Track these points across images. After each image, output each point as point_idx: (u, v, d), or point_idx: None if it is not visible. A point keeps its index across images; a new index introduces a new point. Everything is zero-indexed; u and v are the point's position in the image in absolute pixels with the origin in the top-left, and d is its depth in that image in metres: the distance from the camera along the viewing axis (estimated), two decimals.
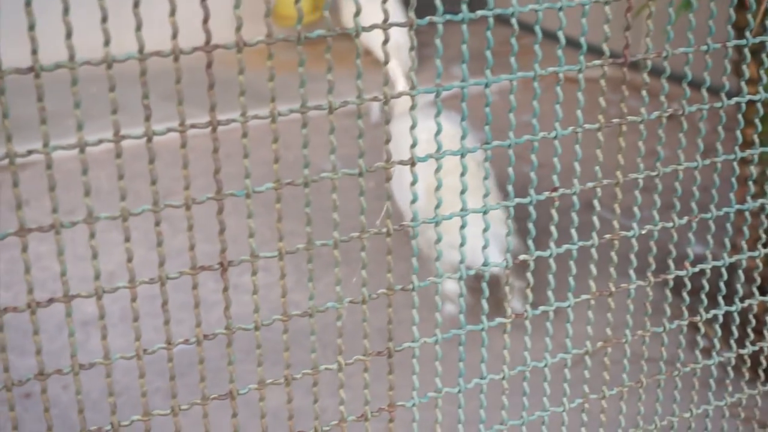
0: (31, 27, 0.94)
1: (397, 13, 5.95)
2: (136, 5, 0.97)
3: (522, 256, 1.26)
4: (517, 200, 1.23)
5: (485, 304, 1.24)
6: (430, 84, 5.13)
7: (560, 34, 1.20)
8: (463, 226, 1.20)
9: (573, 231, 1.28)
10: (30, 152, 0.97)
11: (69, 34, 0.95)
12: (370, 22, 1.31)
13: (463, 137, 1.19)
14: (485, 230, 1.20)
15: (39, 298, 1.02)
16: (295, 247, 1.13)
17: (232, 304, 1.11)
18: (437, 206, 1.16)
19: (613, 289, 1.33)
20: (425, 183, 3.31)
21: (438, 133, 1.14)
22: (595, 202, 1.29)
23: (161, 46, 1.04)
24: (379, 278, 1.31)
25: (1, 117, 0.95)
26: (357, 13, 1.08)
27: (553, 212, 1.27)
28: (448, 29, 1.15)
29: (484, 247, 1.21)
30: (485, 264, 1.22)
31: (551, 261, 1.29)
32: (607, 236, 1.31)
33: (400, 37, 5.86)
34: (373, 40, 5.79)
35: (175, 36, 1.00)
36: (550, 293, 1.30)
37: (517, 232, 3.09)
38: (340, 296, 1.17)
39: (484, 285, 1.23)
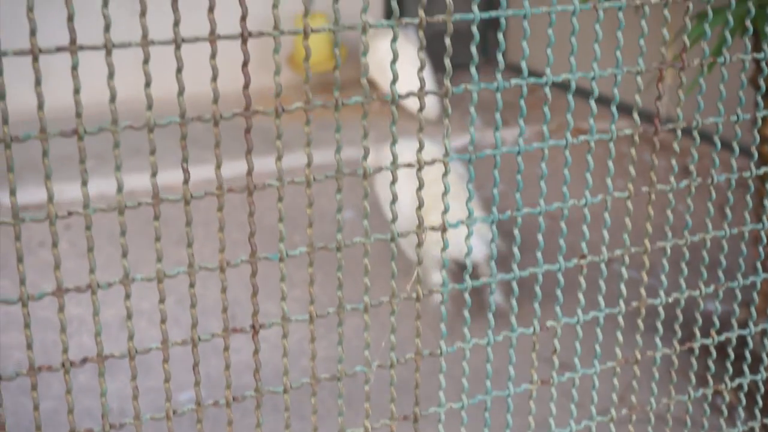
0: (77, 91, 0.95)
1: (411, 55, 5.99)
2: (179, 71, 0.99)
3: (549, 323, 1.26)
4: (546, 267, 1.23)
5: (467, 297, 1.18)
6: (458, 131, 5.17)
7: (592, 103, 1.21)
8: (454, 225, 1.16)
9: (600, 298, 1.29)
10: (70, 213, 0.98)
11: (113, 98, 0.96)
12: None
13: (469, 199, 1.18)
14: (469, 229, 1.15)
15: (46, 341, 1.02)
16: (327, 311, 1.13)
17: (243, 352, 1.11)
18: (420, 207, 1.12)
19: (638, 357, 1.33)
20: (410, 191, 3.59)
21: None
22: (623, 270, 1.30)
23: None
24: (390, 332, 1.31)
25: (45, 178, 0.96)
26: (394, 81, 1.09)
27: (581, 279, 1.27)
28: (460, 78, 1.16)
29: (467, 238, 1.16)
30: (467, 253, 1.15)
31: (578, 327, 1.29)
32: (635, 303, 1.31)
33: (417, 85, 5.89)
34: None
35: (215, 101, 1.01)
36: (576, 360, 1.30)
37: (500, 234, 3.66)
38: (368, 360, 1.17)
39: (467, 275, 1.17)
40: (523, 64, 1.15)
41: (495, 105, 1.15)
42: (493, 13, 1.12)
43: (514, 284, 1.23)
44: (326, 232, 4.38)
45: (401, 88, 1.07)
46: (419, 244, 1.16)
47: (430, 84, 6.06)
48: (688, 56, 1.26)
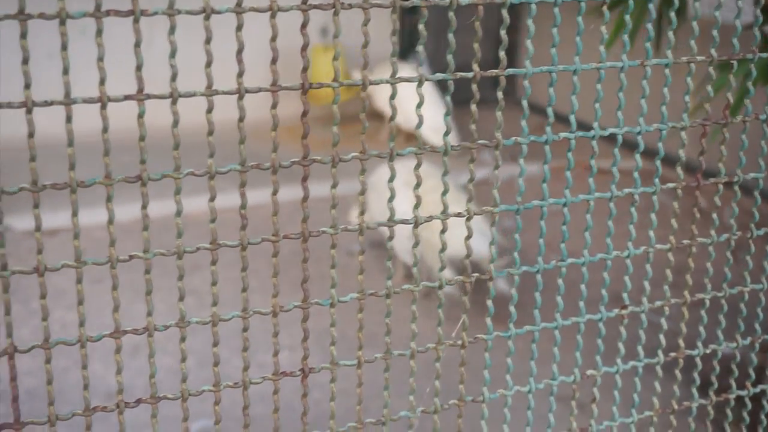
0: (142, 138, 0.97)
1: (432, 96, 6.04)
2: (241, 119, 1.01)
3: (590, 372, 1.27)
4: (588, 316, 1.25)
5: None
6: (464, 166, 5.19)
7: (638, 158, 1.23)
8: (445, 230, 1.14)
9: (640, 348, 1.30)
10: (131, 257, 1.00)
11: (177, 146, 0.99)
12: (407, 104, 1.35)
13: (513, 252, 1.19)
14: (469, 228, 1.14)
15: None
16: (374, 357, 1.15)
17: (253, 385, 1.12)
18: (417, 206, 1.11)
19: (675, 406, 1.34)
20: (408, 198, 3.89)
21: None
22: (662, 321, 1.31)
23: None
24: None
25: (107, 222, 0.98)
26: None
27: (622, 329, 1.28)
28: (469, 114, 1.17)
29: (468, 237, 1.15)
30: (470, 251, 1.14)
31: (617, 377, 1.30)
32: (672, 354, 1.32)
33: (436, 120, 5.95)
34: (411, 118, 5.89)
35: (275, 149, 1.03)
36: (614, 408, 1.31)
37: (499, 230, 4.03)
38: (412, 405, 1.18)
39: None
40: (572, 118, 1.17)
41: (520, 150, 1.16)
42: (544, 69, 1.14)
43: (556, 332, 1.25)
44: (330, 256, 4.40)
45: (412, 118, 1.10)
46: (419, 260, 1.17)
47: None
48: (714, 104, 1.28)
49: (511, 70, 1.12)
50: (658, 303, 1.30)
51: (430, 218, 1.14)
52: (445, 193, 1.13)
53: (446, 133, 1.12)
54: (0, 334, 3.91)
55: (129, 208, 4.45)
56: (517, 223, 1.20)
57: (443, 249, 1.14)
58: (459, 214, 1.14)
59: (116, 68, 2.73)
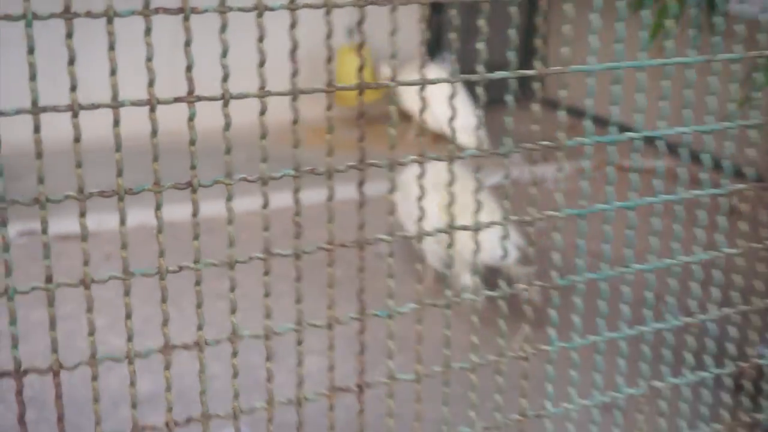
0: (192, 143, 0.92)
1: (462, 98, 5.96)
2: (295, 121, 0.96)
3: (655, 383, 1.21)
4: (656, 325, 1.19)
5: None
6: (496, 166, 5.11)
7: (706, 158, 1.17)
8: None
9: (707, 358, 1.24)
10: (181, 268, 0.95)
11: (228, 151, 0.93)
12: (437, 103, 1.30)
13: None
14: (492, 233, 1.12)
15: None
16: (434, 370, 1.09)
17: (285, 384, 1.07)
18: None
19: (746, 419, 1.28)
20: (437, 202, 3.84)
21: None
22: (729, 329, 1.25)
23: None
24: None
25: (156, 231, 0.93)
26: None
27: (688, 338, 1.22)
28: (498, 113, 1.12)
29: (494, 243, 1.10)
30: (495, 257, 1.09)
31: (683, 388, 1.24)
32: (743, 364, 1.26)
33: (467, 119, 5.88)
34: (441, 118, 5.82)
35: (330, 153, 0.98)
36: (661, 418, 1.25)
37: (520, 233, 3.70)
38: (473, 420, 1.13)
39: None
40: (638, 118, 1.11)
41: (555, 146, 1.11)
42: (586, 67, 1.08)
43: (623, 343, 1.19)
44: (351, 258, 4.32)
45: (441, 118, 1.05)
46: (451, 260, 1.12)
47: (470, 115, 6.03)
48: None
49: (554, 69, 1.07)
50: (726, 311, 1.24)
51: (490, 224, 1.08)
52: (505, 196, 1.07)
53: (504, 134, 1.07)
54: (23, 343, 3.88)
55: (135, 215, 4.37)
56: (582, 228, 1.14)
57: (504, 256, 1.08)
58: (523, 220, 1.08)
59: (128, 67, 2.70)
